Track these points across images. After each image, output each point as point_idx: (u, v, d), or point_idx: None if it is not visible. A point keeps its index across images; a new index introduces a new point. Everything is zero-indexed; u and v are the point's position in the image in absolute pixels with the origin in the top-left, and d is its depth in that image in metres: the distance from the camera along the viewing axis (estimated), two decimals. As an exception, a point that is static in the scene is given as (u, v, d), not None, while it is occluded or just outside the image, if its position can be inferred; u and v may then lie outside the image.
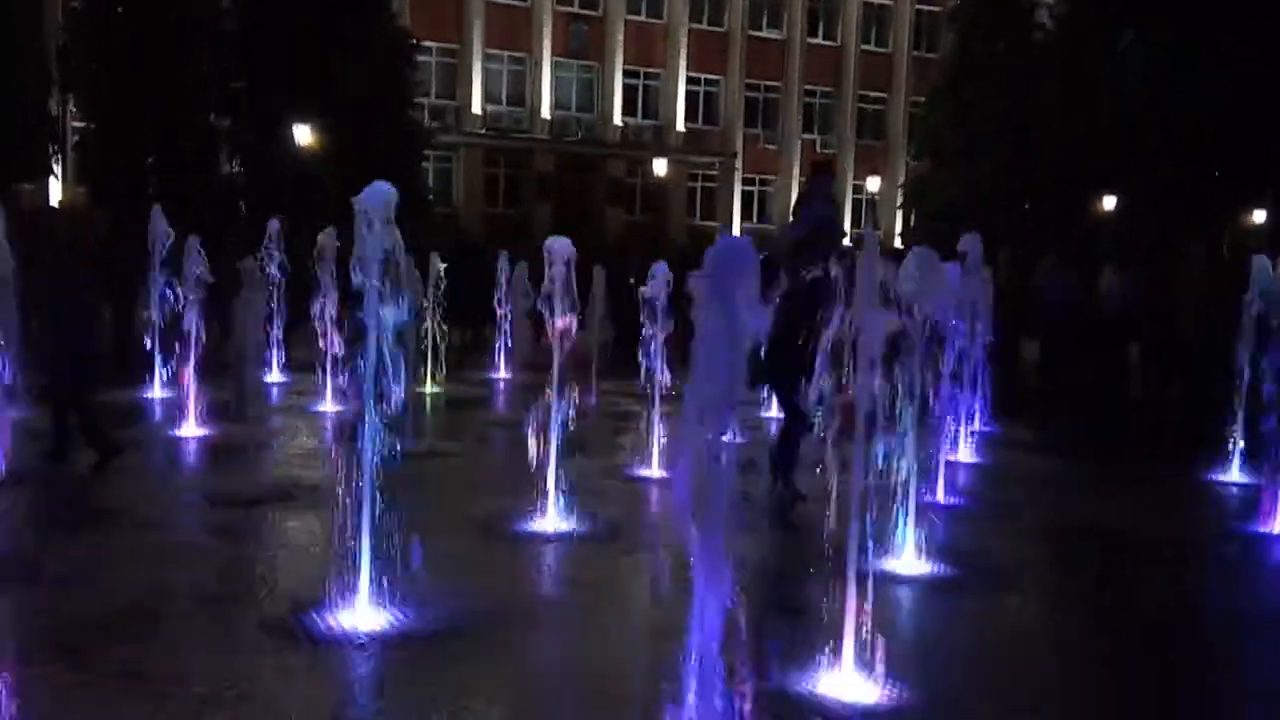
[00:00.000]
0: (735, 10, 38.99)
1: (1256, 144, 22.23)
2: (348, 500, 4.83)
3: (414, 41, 27.25)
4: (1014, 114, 27.12)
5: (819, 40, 40.83)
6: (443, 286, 12.88)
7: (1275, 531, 7.09)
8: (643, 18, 37.98)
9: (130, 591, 5.21)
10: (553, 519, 6.50)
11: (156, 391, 10.81)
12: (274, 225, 12.60)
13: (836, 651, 4.23)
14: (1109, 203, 26.28)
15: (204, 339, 9.70)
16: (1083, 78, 25.31)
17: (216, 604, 5.12)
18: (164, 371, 10.62)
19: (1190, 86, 21.95)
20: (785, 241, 7.78)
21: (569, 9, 36.93)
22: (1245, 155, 22.62)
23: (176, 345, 9.80)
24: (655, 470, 8.08)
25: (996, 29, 30.44)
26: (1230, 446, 8.56)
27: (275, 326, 12.48)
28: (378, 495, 4.78)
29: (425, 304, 12.14)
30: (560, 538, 6.37)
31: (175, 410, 9.59)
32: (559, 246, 6.74)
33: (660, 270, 8.07)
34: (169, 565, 5.68)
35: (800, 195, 7.84)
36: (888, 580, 5.36)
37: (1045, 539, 7.21)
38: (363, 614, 4.77)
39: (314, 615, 4.80)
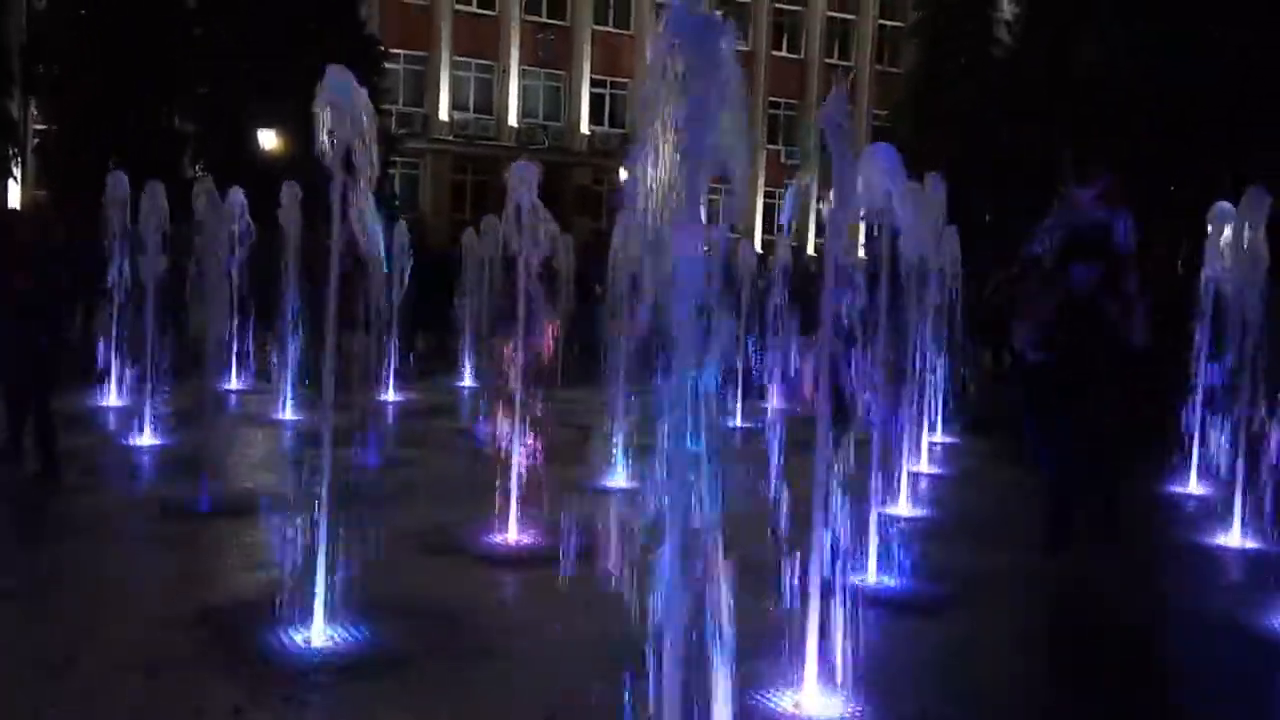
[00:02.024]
0: (703, 22, 39.13)
1: (1239, 138, 21.14)
2: (303, 514, 4.74)
3: (382, 49, 27.12)
4: (990, 122, 27.12)
5: (783, 53, 41.10)
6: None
7: (1233, 545, 7.09)
8: (610, 28, 38.01)
9: (70, 602, 5.08)
10: (514, 533, 6.43)
11: (113, 398, 10.61)
12: (237, 197, 12.00)
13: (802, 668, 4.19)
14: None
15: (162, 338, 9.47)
16: (1056, 80, 24.88)
17: (161, 613, 5.00)
18: (121, 376, 10.44)
19: (1177, 76, 21.17)
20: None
21: (536, 19, 36.90)
22: (1225, 152, 21.58)
23: (132, 347, 9.61)
24: (620, 481, 8.02)
25: (960, 41, 30.75)
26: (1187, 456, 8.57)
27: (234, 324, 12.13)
28: (335, 508, 4.69)
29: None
30: (520, 553, 6.29)
31: (131, 417, 9.40)
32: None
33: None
34: (113, 576, 5.56)
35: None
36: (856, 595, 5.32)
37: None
38: (316, 631, 4.67)
39: (262, 630, 4.70)
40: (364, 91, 4.60)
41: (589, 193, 37.11)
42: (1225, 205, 7.85)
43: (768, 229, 39.06)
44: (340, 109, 4.54)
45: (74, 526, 6.73)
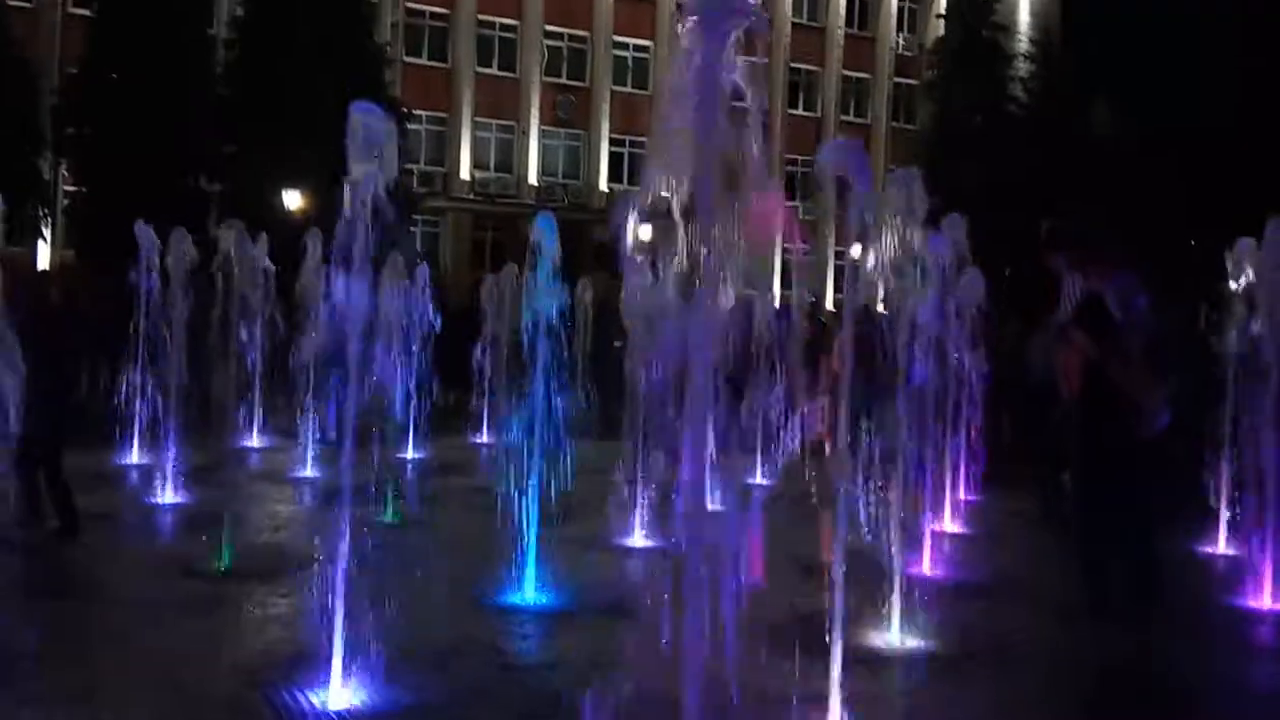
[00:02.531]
0: (720, 82, 39.72)
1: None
2: (326, 572, 4.72)
3: (405, 110, 27.56)
4: (998, 184, 27.28)
5: (799, 111, 41.54)
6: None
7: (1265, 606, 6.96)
8: (628, 89, 38.61)
9: (93, 660, 5.07)
10: (534, 591, 6.38)
11: (135, 456, 10.65)
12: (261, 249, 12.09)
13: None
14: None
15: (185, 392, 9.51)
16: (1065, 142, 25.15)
17: (182, 676, 4.97)
18: (142, 433, 10.46)
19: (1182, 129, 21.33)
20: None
21: (556, 80, 37.53)
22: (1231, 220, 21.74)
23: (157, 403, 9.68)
24: (639, 540, 7.97)
25: (973, 100, 31.00)
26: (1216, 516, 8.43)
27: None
28: (357, 567, 4.68)
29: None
30: (542, 611, 6.24)
31: (152, 475, 9.42)
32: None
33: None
34: (135, 637, 5.54)
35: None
36: (874, 658, 5.25)
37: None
38: (335, 693, 4.62)
39: (283, 691, 4.66)
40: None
41: (607, 249, 37.32)
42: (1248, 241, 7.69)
43: (786, 284, 39.20)
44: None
45: (90, 582, 6.73)
